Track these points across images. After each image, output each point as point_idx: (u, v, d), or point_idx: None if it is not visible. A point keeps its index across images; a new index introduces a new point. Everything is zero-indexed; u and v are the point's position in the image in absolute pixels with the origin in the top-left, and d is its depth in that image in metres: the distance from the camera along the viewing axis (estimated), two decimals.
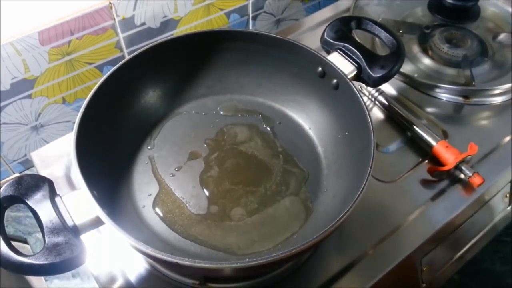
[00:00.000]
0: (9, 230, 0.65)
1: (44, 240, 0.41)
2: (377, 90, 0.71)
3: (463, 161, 0.62)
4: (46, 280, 0.61)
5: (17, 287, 0.67)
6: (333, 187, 0.57)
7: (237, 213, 0.55)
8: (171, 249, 0.52)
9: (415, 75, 0.74)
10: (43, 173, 0.63)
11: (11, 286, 0.66)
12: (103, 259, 0.56)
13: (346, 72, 0.57)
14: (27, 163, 0.73)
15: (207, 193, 0.57)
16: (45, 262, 0.40)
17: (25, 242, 0.65)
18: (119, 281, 0.55)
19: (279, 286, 0.54)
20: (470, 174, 0.61)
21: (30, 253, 0.62)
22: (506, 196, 0.68)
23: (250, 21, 0.85)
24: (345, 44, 0.59)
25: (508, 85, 0.71)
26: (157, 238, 0.53)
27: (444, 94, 0.73)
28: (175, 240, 0.53)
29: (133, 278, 0.55)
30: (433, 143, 0.64)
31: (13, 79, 0.62)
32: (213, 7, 0.77)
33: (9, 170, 0.72)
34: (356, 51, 0.58)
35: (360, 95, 0.54)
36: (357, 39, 0.61)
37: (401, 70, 0.61)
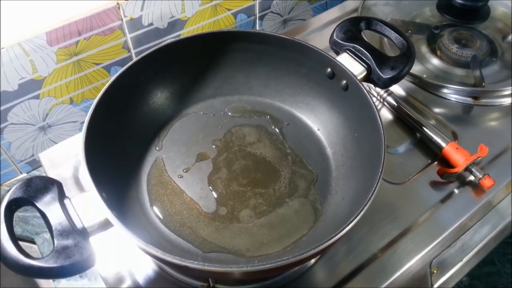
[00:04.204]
0: (17, 230, 0.65)
1: (53, 243, 0.41)
2: (386, 91, 0.71)
3: (473, 163, 0.62)
4: (53, 281, 0.61)
5: (24, 287, 0.67)
6: (342, 189, 0.57)
7: (245, 215, 0.55)
8: (180, 250, 0.52)
9: (424, 76, 0.74)
10: (51, 174, 0.63)
11: (18, 286, 0.66)
12: (111, 259, 0.56)
13: (355, 73, 0.56)
14: (35, 163, 0.73)
15: (215, 195, 0.57)
16: (54, 265, 0.39)
17: (33, 242, 0.65)
18: (127, 282, 0.55)
19: None
20: (481, 176, 0.61)
21: (38, 253, 0.63)
22: None
23: (257, 21, 0.85)
24: (354, 44, 0.59)
25: None
26: (165, 239, 0.53)
27: (453, 95, 0.73)
28: (184, 241, 0.53)
29: (141, 279, 0.55)
30: (443, 144, 0.64)
31: (21, 79, 0.62)
32: (220, 7, 0.76)
33: (17, 170, 0.72)
34: (365, 52, 0.58)
35: (370, 96, 0.53)
36: (366, 39, 0.61)
37: None
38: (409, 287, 0.57)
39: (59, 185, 0.45)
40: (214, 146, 0.61)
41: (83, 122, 0.50)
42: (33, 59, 0.61)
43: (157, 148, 0.61)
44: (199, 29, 0.77)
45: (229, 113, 0.65)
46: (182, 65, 0.62)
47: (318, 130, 0.63)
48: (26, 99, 0.64)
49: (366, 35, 0.65)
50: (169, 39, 0.74)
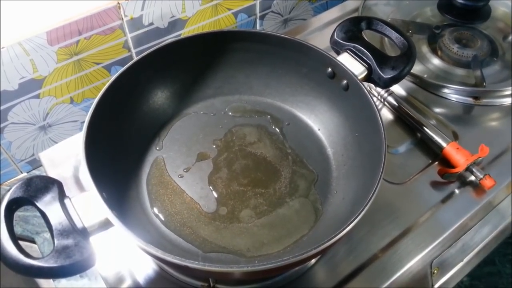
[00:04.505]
0: (17, 229, 0.65)
1: (54, 243, 0.41)
2: (387, 91, 0.71)
3: (474, 163, 0.62)
4: (53, 280, 0.61)
5: (25, 287, 0.67)
6: (343, 189, 0.57)
7: (246, 215, 0.55)
8: (180, 250, 0.52)
9: (425, 76, 0.74)
10: (51, 173, 0.63)
11: (19, 286, 0.66)
12: (111, 259, 0.56)
13: (356, 73, 0.56)
14: (35, 162, 0.73)
15: (216, 195, 0.57)
16: (55, 265, 0.39)
17: (33, 241, 0.65)
18: (127, 282, 0.55)
19: None
20: (481, 176, 0.61)
21: (38, 252, 0.63)
22: None
23: (258, 20, 0.84)
24: (355, 44, 0.59)
25: None
26: (165, 239, 0.53)
27: (454, 95, 0.72)
28: (184, 241, 0.53)
29: (141, 279, 0.55)
30: (444, 144, 0.64)
31: (21, 79, 0.62)
32: (220, 6, 0.76)
33: (17, 170, 0.72)
34: (366, 51, 0.58)
35: (371, 96, 0.53)
36: (367, 39, 0.61)
37: None
38: (410, 287, 0.57)
39: (59, 185, 0.45)
40: (214, 146, 0.61)
41: (84, 122, 0.50)
42: (34, 58, 0.61)
43: (157, 148, 0.61)
44: (200, 29, 0.77)
45: (230, 113, 0.65)
46: (182, 65, 0.62)
47: (319, 130, 0.63)
48: (26, 98, 0.64)
49: (367, 35, 0.65)
50: (169, 38, 0.74)
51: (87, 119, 0.50)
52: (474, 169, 0.61)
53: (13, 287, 0.66)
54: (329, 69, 0.59)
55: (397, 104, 0.70)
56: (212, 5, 0.75)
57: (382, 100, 0.71)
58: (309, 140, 0.62)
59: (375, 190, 0.45)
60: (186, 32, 0.75)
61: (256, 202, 0.56)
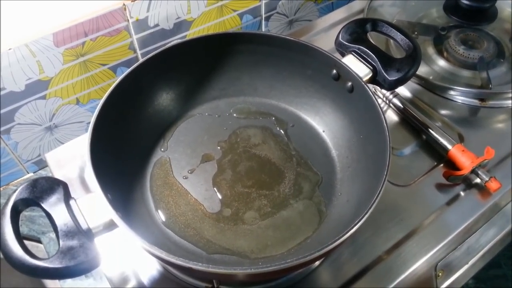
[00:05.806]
0: (23, 229, 0.65)
1: (59, 244, 0.41)
2: (392, 93, 0.70)
3: (479, 166, 0.61)
4: (59, 280, 0.61)
5: (31, 286, 0.68)
6: (347, 191, 0.57)
7: (250, 216, 0.55)
8: (184, 252, 0.52)
9: (430, 77, 0.74)
10: (57, 174, 0.63)
11: (25, 285, 0.67)
12: (116, 260, 0.56)
13: (361, 75, 0.56)
14: (41, 163, 0.73)
15: (220, 196, 0.57)
16: (60, 265, 0.40)
17: (39, 241, 0.65)
18: (132, 282, 0.55)
19: None
20: (487, 179, 0.60)
21: (44, 252, 0.63)
22: None
23: (263, 22, 0.85)
24: (360, 46, 0.59)
25: None
26: (169, 240, 0.53)
27: (460, 97, 0.72)
28: (188, 243, 0.53)
29: (145, 279, 0.55)
30: (449, 146, 0.64)
31: (28, 80, 0.62)
32: (226, 8, 0.77)
33: (23, 170, 0.73)
34: (371, 53, 0.58)
35: (375, 98, 0.53)
36: (372, 41, 0.61)
37: None
38: None
39: (64, 186, 0.45)
40: (219, 147, 0.61)
41: (89, 123, 0.50)
42: (40, 60, 0.62)
43: (162, 149, 0.61)
44: (205, 30, 0.77)
45: (234, 114, 0.65)
46: (187, 67, 0.62)
47: (323, 131, 0.63)
48: (33, 99, 0.65)
49: (372, 36, 0.65)
50: (175, 40, 0.74)
51: (92, 120, 0.50)
52: (479, 172, 0.61)
53: (20, 287, 0.67)
54: (334, 71, 0.59)
55: (402, 106, 0.69)
56: (217, 6, 0.75)
57: (387, 101, 0.71)
58: (314, 142, 0.62)
59: (379, 193, 0.45)
60: (192, 33, 0.75)
61: (260, 203, 0.56)
